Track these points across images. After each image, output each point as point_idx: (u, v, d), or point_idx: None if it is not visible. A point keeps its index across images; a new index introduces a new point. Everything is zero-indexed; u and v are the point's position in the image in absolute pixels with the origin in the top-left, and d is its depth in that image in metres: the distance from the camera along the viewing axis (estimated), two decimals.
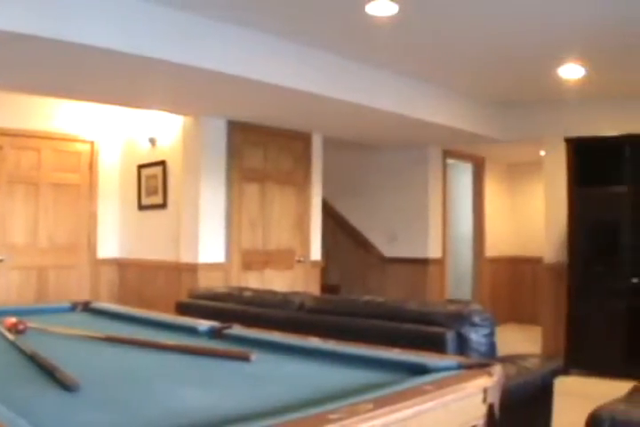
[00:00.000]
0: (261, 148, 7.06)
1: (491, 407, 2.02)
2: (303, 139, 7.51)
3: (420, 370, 2.18)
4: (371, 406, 1.63)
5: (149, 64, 4.65)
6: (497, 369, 2.16)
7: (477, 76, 6.62)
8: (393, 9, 4.57)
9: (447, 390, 1.86)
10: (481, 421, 1.99)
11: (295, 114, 6.63)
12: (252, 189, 6.94)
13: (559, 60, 5.88)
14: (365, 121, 6.96)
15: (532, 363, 3.90)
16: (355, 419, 1.53)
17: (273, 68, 5.30)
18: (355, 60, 5.93)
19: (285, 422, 1.52)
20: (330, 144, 7.81)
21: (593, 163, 6.87)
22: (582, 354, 6.69)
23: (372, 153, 8.93)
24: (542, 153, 8.02)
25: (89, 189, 7.57)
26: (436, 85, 6.92)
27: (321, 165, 7.62)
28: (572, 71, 6.10)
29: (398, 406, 1.66)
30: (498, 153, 9.56)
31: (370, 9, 4.57)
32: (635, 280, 6.57)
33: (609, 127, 7.06)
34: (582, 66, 5.98)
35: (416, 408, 1.70)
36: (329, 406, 1.63)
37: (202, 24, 4.80)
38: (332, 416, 1.53)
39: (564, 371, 4.79)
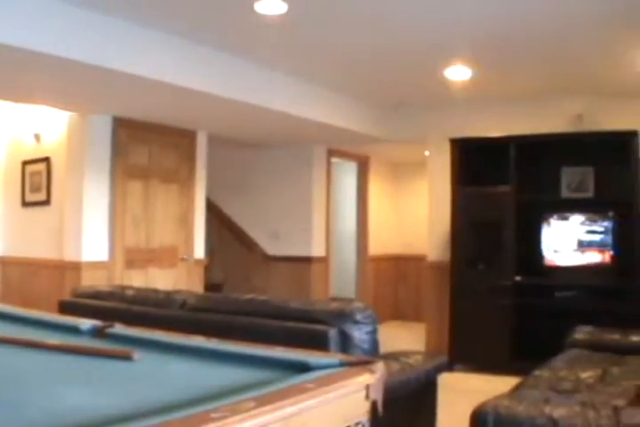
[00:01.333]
0: (147, 145, 6.87)
1: (374, 404, 2.03)
2: (188, 136, 7.36)
3: (303, 368, 2.17)
4: (252, 404, 1.62)
5: (32, 58, 4.41)
6: (379, 366, 2.17)
7: (365, 77, 6.60)
8: (282, 8, 4.49)
9: (329, 388, 1.86)
10: (364, 418, 1.99)
11: (181, 111, 6.48)
12: (136, 187, 6.74)
13: (446, 62, 5.90)
14: (252, 119, 6.88)
15: (416, 360, 3.93)
16: (237, 417, 1.52)
17: (159, 65, 5.14)
18: (243, 59, 5.83)
19: (167, 422, 1.49)
20: (215, 142, 7.69)
21: (477, 163, 6.98)
22: (467, 351, 6.79)
23: (257, 151, 8.84)
24: (427, 153, 8.08)
25: None
26: (322, 85, 6.88)
27: (205, 163, 7.48)
28: (458, 73, 6.13)
29: (280, 404, 1.65)
30: (383, 152, 9.62)
31: (259, 7, 4.48)
32: (518, 278, 6.70)
33: (494, 128, 7.17)
34: (469, 68, 6.02)
35: (298, 406, 1.70)
36: (211, 405, 1.61)
37: (86, 18, 4.58)
38: (214, 415, 1.51)
39: (449, 367, 4.86)
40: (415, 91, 7.16)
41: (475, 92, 6.92)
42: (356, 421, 1.96)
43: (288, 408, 1.66)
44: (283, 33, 5.11)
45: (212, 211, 8.58)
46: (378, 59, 5.86)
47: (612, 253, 6.57)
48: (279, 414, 1.62)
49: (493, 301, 6.74)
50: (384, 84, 6.91)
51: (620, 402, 3.06)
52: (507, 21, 4.80)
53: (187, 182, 7.32)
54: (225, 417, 1.50)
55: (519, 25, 4.88)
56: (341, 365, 2.20)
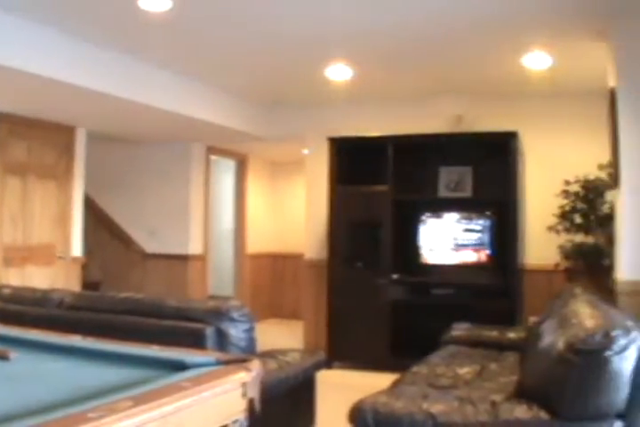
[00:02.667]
0: (26, 141, 6.63)
1: (251, 402, 2.07)
2: (67, 132, 7.12)
3: (179, 367, 2.19)
4: (130, 403, 1.64)
5: None
6: (255, 364, 2.20)
7: (245, 75, 6.55)
8: (166, 5, 4.40)
9: (205, 387, 1.89)
10: (241, 416, 2.03)
11: (60, 107, 6.26)
12: (13, 183, 6.49)
13: (327, 61, 5.90)
14: (132, 116, 6.73)
15: (294, 357, 3.95)
16: (114, 417, 1.53)
17: (37, 58, 4.94)
18: (124, 55, 5.68)
19: (45, 423, 1.48)
20: (95, 139, 7.48)
21: (356, 162, 7.00)
22: (345, 348, 6.80)
23: (137, 148, 8.64)
24: (305, 152, 8.05)
25: None
26: (202, 83, 6.79)
27: (84, 160, 7.26)
28: (339, 72, 6.13)
29: (157, 403, 1.67)
30: (262, 151, 9.58)
31: (143, 4, 4.37)
32: (395, 276, 6.74)
33: (374, 128, 7.22)
34: (350, 67, 6.03)
35: (175, 405, 1.72)
36: (88, 405, 1.62)
37: None
38: (91, 415, 1.52)
39: (327, 365, 4.85)
40: (295, 89, 7.13)
41: (355, 91, 6.93)
42: (234, 419, 1.98)
43: (165, 407, 1.67)
44: (165, 30, 5.00)
45: (91, 208, 8.35)
46: (258, 57, 5.81)
47: (488, 251, 6.70)
48: (156, 413, 1.63)
49: (371, 299, 6.78)
50: (264, 83, 6.88)
51: (498, 397, 3.08)
52: (387, 22, 4.83)
53: (65, 179, 7.09)
54: (102, 417, 1.50)
55: (400, 26, 4.91)
56: (217, 363, 2.22)
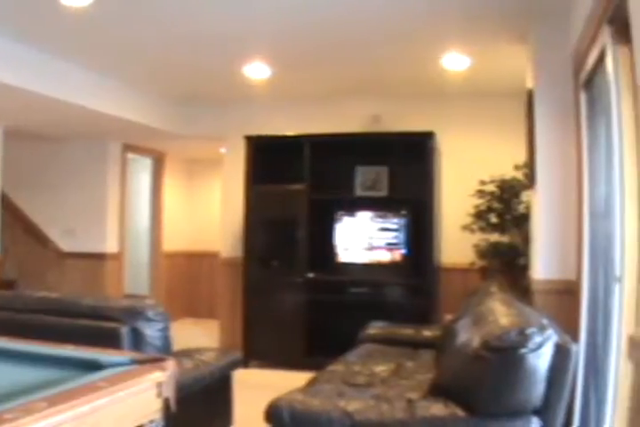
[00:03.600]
0: None
1: (166, 401, 2.07)
2: None
3: (94, 366, 2.17)
4: (45, 404, 1.62)
5: None
6: (170, 363, 2.21)
7: (162, 72, 6.43)
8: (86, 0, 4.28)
9: (120, 386, 1.88)
10: (157, 415, 2.02)
11: None
12: None
13: (245, 60, 5.84)
14: (48, 112, 6.50)
15: (209, 356, 3.95)
16: (29, 418, 1.51)
17: None
18: (41, 50, 5.50)
19: None
20: (11, 136, 7.21)
21: (273, 161, 6.95)
22: (262, 347, 6.76)
23: (54, 146, 8.42)
24: (223, 150, 7.96)
25: None
26: (119, 79, 6.63)
27: (0, 158, 6.96)
28: (258, 71, 6.08)
29: (73, 403, 1.66)
30: (180, 149, 9.45)
31: None
32: (311, 275, 6.72)
33: (293, 127, 7.19)
34: (269, 66, 5.99)
35: (91, 405, 1.71)
36: (3, 406, 1.60)
37: None
38: (6, 416, 1.50)
39: (243, 364, 4.80)
40: (213, 87, 7.06)
41: (274, 90, 6.90)
42: (150, 419, 1.97)
43: (81, 408, 1.66)
44: (84, 25, 4.87)
45: (7, 207, 8.15)
46: (176, 54, 5.72)
47: (403, 250, 6.72)
48: (72, 413, 1.62)
49: (287, 297, 6.75)
50: (182, 80, 6.78)
51: (414, 395, 3.10)
52: (306, 22, 4.81)
53: None
54: (17, 418, 1.48)
55: (319, 26, 4.90)
56: (133, 363, 2.21)
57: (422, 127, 6.60)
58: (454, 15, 4.60)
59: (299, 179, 6.79)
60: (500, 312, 3.33)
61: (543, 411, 2.78)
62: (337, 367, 4.08)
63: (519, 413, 2.78)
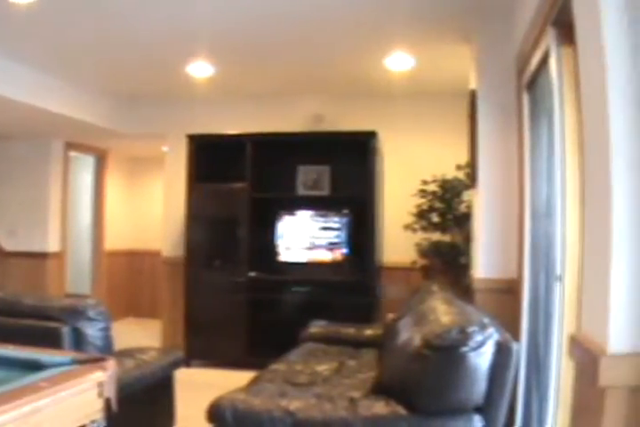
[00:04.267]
0: None
1: (108, 401, 2.07)
2: None
3: (35, 366, 2.16)
4: None
5: None
6: (111, 363, 2.21)
7: (106, 71, 6.36)
8: None
9: (62, 387, 1.88)
10: (99, 415, 2.02)
11: None
12: None
13: (188, 58, 5.79)
14: None
15: (151, 356, 3.91)
16: None
17: None
18: None
19: None
20: None
21: (215, 160, 6.91)
22: (204, 346, 6.71)
23: None
24: (165, 149, 7.88)
25: None
26: (63, 77, 6.51)
27: None
28: (201, 69, 6.04)
29: (14, 404, 1.65)
30: (122, 147, 9.33)
31: None
32: (252, 274, 6.70)
33: (236, 125, 7.14)
34: (211, 64, 5.95)
35: (32, 405, 1.70)
36: None
37: None
38: None
39: (185, 363, 4.75)
40: (156, 85, 6.99)
41: (217, 88, 6.87)
42: (92, 419, 1.98)
43: (22, 408, 1.66)
44: (27, 23, 4.79)
45: None
46: (119, 52, 5.65)
47: (345, 249, 6.74)
48: (13, 414, 1.61)
49: (229, 296, 6.72)
50: (124, 78, 6.68)
51: (357, 394, 3.11)
52: (248, 20, 4.78)
53: None
54: None
55: (261, 24, 4.88)
56: (74, 363, 2.20)
57: (365, 127, 6.61)
58: (399, 15, 4.61)
59: (241, 178, 6.75)
60: (442, 311, 3.35)
61: (485, 409, 2.80)
62: (279, 366, 4.07)
63: (461, 411, 2.79)
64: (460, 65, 5.44)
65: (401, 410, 2.82)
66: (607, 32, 1.78)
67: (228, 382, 3.79)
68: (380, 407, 2.86)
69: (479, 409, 2.80)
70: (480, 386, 2.77)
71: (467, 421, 2.78)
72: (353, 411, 2.86)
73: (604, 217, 1.82)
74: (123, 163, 10.20)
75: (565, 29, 2.72)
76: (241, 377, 3.96)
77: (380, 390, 3.05)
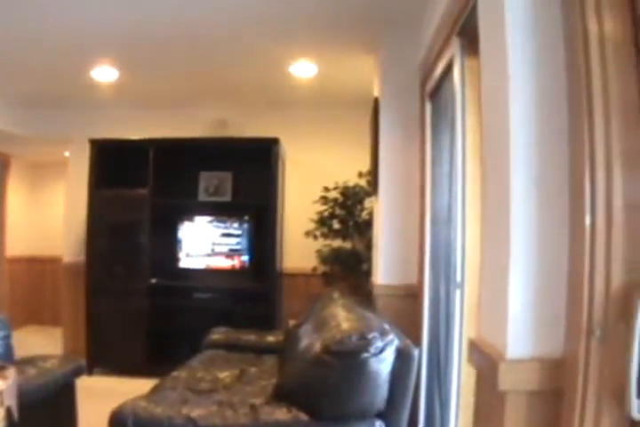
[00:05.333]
0: None
1: (8, 410, 2.04)
2: None
3: None
4: None
5: None
6: (11, 372, 2.19)
7: (8, 75, 6.15)
8: None
9: None
10: (0, 423, 1.99)
11: None
12: None
13: (92, 62, 5.67)
14: None
15: (52, 364, 3.85)
16: None
17: None
18: None
19: None
20: None
21: (117, 165, 6.79)
22: (106, 354, 6.58)
23: None
24: (67, 154, 7.69)
25: None
26: None
27: None
28: (105, 73, 5.91)
29: None
30: (25, 151, 9.06)
31: None
32: (154, 280, 6.63)
33: (140, 131, 7.02)
34: (116, 69, 5.83)
35: None
36: None
37: None
38: None
39: (87, 371, 4.66)
40: (59, 89, 6.76)
41: (121, 93, 6.72)
42: None
43: None
44: None
45: None
46: (21, 55, 5.48)
47: (247, 255, 6.72)
48: None
49: (130, 303, 6.61)
50: (27, 82, 6.47)
51: (258, 400, 3.10)
52: (154, 25, 4.71)
53: None
54: None
55: (165, 29, 4.81)
56: None
57: (269, 133, 6.61)
58: (304, 24, 4.62)
59: (143, 183, 6.66)
60: (342, 317, 3.37)
61: (387, 414, 2.83)
62: (181, 374, 4.04)
63: (363, 416, 2.82)
64: (365, 73, 5.48)
65: (303, 416, 2.83)
66: (510, 44, 1.82)
67: (129, 389, 3.72)
68: (281, 414, 2.86)
69: (381, 415, 2.83)
70: (381, 392, 2.80)
71: (369, 426, 2.80)
72: (254, 418, 2.86)
73: (502, 225, 1.86)
74: (25, 168, 9.93)
75: (470, 40, 2.78)
76: (143, 385, 3.93)
77: (282, 396, 3.05)
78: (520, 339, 1.79)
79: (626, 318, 1.54)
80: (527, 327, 1.80)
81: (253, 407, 2.94)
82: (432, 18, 3.74)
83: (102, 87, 6.33)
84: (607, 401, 1.60)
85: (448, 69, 3.39)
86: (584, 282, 1.63)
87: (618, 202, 1.62)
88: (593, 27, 1.65)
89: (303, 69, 5.68)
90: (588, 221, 1.63)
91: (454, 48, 3.14)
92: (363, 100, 5.78)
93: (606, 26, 1.64)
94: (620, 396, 1.56)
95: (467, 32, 2.86)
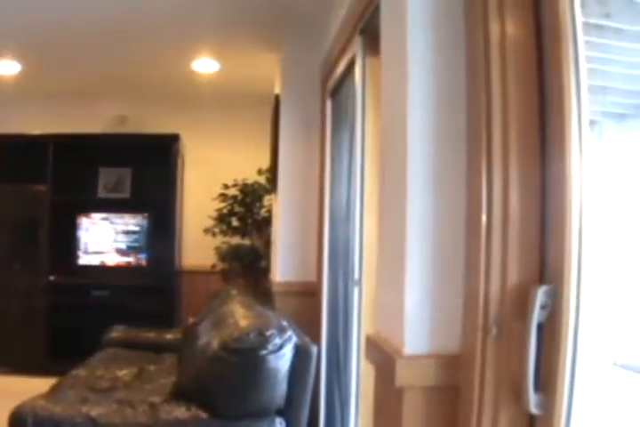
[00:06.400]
0: None
1: None
2: None
3: None
4: None
5: None
6: None
7: None
8: None
9: None
10: None
11: None
12: None
13: None
14: None
15: None
16: None
17: None
18: None
19: None
20: None
21: (16, 160, 6.61)
22: (3, 353, 6.38)
23: None
24: None
25: None
26: None
27: None
28: (6, 67, 5.74)
29: None
30: None
31: None
32: (52, 277, 6.52)
33: (38, 125, 6.81)
34: (18, 62, 5.67)
35: None
36: None
37: None
38: None
39: None
40: None
41: (23, 87, 6.51)
42: None
43: None
44: None
45: None
46: None
47: (145, 252, 6.66)
48: None
49: (29, 301, 6.48)
50: None
51: (157, 399, 3.08)
52: (56, 17, 4.58)
53: None
54: None
55: (69, 21, 4.68)
56: None
57: (170, 129, 6.58)
58: (206, 21, 4.58)
59: (42, 179, 6.53)
60: (240, 315, 3.37)
61: (287, 411, 2.84)
62: (80, 372, 3.99)
63: (263, 413, 2.82)
64: (267, 71, 5.47)
65: (202, 414, 2.83)
66: (411, 43, 1.83)
67: (28, 388, 3.63)
68: (180, 412, 2.86)
69: (281, 412, 2.84)
70: (281, 389, 2.80)
71: (269, 423, 2.81)
72: (154, 416, 2.85)
73: (399, 223, 1.87)
74: None
75: (372, 39, 2.79)
76: (42, 384, 3.83)
77: (181, 394, 3.04)
78: (417, 335, 1.80)
79: (522, 315, 1.57)
80: (424, 324, 1.81)
81: (153, 406, 2.93)
82: (335, 16, 3.75)
83: (2, 80, 6.15)
84: (505, 397, 1.63)
85: (350, 68, 3.41)
86: (480, 279, 1.65)
87: (514, 200, 1.64)
88: (495, 27, 1.67)
89: (205, 66, 5.64)
90: (484, 218, 1.65)
91: (356, 47, 3.16)
92: (264, 98, 5.76)
93: (508, 27, 1.66)
94: (517, 391, 1.58)
95: (369, 31, 2.88)
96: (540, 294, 1.52)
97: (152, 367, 4.20)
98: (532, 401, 1.53)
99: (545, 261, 1.64)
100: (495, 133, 1.65)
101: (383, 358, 1.93)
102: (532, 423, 1.61)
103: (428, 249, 1.81)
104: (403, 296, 1.81)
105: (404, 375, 1.76)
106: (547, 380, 1.53)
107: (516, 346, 1.59)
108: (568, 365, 1.50)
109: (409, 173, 1.82)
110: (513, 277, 1.64)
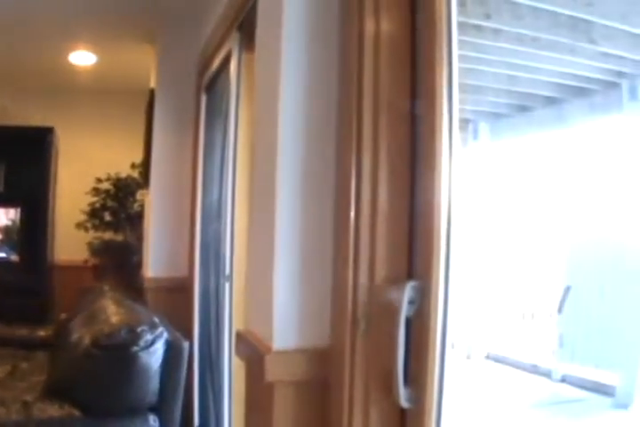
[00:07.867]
0: None
1: None
2: None
3: None
4: None
5: None
6: None
7: None
8: None
9: None
10: None
11: None
12: None
13: None
14: None
15: None
16: None
17: None
18: None
19: None
20: None
21: None
22: None
23: None
24: None
25: None
26: None
27: None
28: None
29: None
30: None
31: None
32: None
33: None
34: None
35: None
36: None
37: None
38: None
39: None
40: None
41: None
42: None
43: None
44: None
45: None
46: None
47: (16, 247, 6.50)
48: None
49: None
50: None
51: (30, 397, 3.02)
52: None
53: None
54: None
55: None
56: None
57: (46, 122, 6.43)
58: (81, 13, 4.51)
59: None
60: (112, 311, 3.33)
61: (160, 408, 2.84)
62: None
63: (135, 410, 2.81)
64: (144, 65, 5.39)
65: (75, 412, 2.79)
66: (285, 40, 1.83)
67: None
68: (54, 410, 2.81)
69: (154, 408, 2.82)
70: (153, 385, 2.79)
71: (142, 420, 2.79)
72: (27, 415, 2.79)
73: (268, 218, 1.88)
74: None
75: (250, 35, 2.78)
76: None
77: (54, 392, 2.98)
78: (285, 330, 1.82)
79: (390, 310, 1.58)
80: (292, 319, 1.82)
81: (26, 404, 2.86)
82: (213, 10, 3.74)
83: None
84: (375, 391, 1.65)
85: (226, 63, 3.40)
86: (349, 275, 1.66)
87: (383, 197, 1.66)
88: (370, 24, 1.68)
89: (82, 58, 5.54)
90: (352, 215, 1.67)
91: (233, 42, 3.15)
92: (140, 91, 5.67)
93: (383, 24, 1.67)
94: (387, 385, 1.60)
95: (247, 27, 2.87)
96: (409, 290, 1.54)
97: (25, 365, 4.09)
98: (403, 395, 1.55)
99: (413, 258, 1.67)
100: (365, 131, 1.66)
101: (253, 353, 1.94)
102: (404, 417, 1.64)
103: (297, 245, 1.82)
104: (271, 292, 1.82)
105: (273, 371, 1.77)
106: (416, 374, 1.55)
107: (385, 341, 1.60)
108: (437, 359, 1.52)
109: (278, 170, 1.83)
110: (381, 273, 1.65)
